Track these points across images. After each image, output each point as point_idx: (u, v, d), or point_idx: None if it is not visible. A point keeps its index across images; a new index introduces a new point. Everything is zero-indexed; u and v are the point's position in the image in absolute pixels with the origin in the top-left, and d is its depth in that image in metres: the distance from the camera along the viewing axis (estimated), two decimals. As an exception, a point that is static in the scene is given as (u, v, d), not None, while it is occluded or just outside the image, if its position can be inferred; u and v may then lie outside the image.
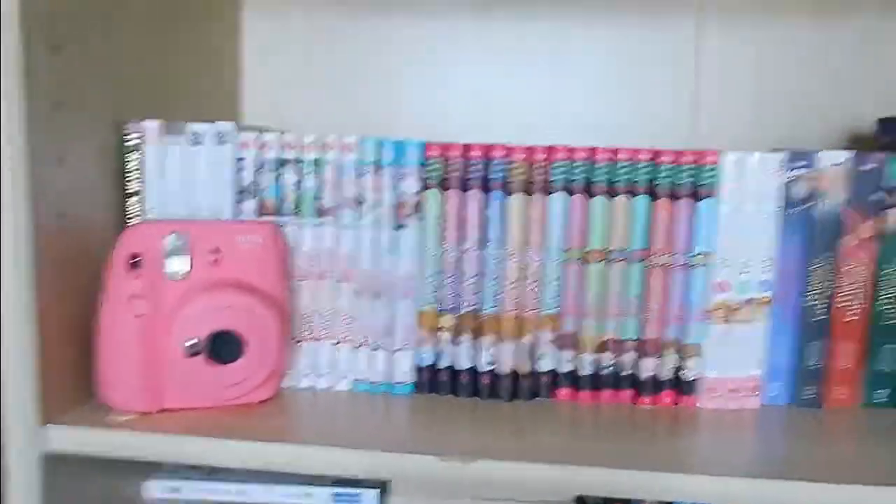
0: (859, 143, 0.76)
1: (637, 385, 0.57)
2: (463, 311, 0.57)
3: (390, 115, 0.80)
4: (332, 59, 0.80)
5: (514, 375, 0.57)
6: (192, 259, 0.51)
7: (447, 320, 0.57)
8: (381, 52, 0.79)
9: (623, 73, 0.77)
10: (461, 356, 0.57)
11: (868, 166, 0.54)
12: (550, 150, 0.55)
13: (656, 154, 0.55)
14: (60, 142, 0.49)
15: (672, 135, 0.78)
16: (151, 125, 0.56)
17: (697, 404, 0.56)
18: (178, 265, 0.50)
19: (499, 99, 0.79)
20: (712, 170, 0.54)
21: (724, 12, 0.76)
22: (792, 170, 0.54)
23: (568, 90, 0.78)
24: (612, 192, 0.55)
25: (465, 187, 0.56)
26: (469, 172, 0.55)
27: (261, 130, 0.57)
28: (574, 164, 0.55)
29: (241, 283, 0.52)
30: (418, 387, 0.58)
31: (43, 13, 0.46)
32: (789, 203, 0.55)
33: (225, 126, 0.56)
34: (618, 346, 0.57)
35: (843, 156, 0.54)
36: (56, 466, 0.49)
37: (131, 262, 0.49)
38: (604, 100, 0.78)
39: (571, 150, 0.55)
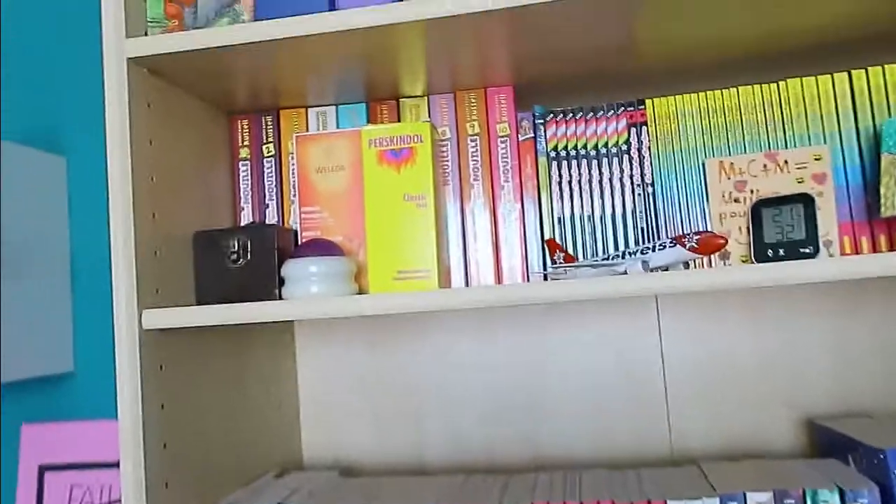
0: (814, 434, 0.89)
1: None
2: None
3: (420, 428, 0.98)
4: (372, 396, 1.00)
5: None
6: None
7: None
8: (407, 376, 0.99)
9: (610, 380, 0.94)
10: None
11: (790, 501, 0.68)
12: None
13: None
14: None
15: (649, 433, 0.92)
16: (233, 510, 0.75)
17: None
18: None
19: (504, 396, 0.96)
20: (661, 518, 0.68)
21: (680, 322, 0.93)
22: (727, 509, 0.68)
23: (557, 392, 0.95)
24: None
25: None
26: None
27: None
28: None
29: None
30: None
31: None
32: (730, 538, 0.68)
33: (286, 508, 0.75)
34: None
35: (766, 495, 0.68)
36: None
37: None
38: (592, 401, 0.94)
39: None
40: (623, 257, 0.70)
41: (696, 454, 0.92)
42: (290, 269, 0.73)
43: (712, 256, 0.80)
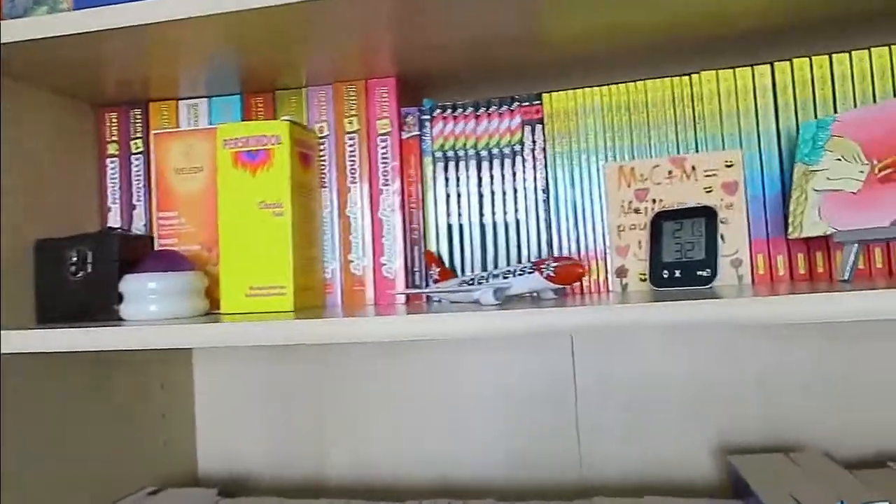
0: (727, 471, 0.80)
1: None
2: None
3: (320, 448, 0.92)
4: (274, 408, 0.94)
5: None
6: None
7: None
8: (312, 395, 0.92)
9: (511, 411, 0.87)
10: None
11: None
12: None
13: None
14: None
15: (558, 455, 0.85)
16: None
17: None
18: None
19: (411, 431, 0.89)
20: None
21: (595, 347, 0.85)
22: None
23: (466, 413, 0.88)
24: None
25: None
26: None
27: None
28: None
29: None
30: None
31: None
32: None
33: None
34: None
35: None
36: None
37: None
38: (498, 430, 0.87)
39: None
40: (489, 280, 0.62)
41: (606, 483, 0.84)
42: (128, 285, 0.67)
43: (607, 275, 0.70)
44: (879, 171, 0.55)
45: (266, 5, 0.60)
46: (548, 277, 0.57)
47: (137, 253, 0.72)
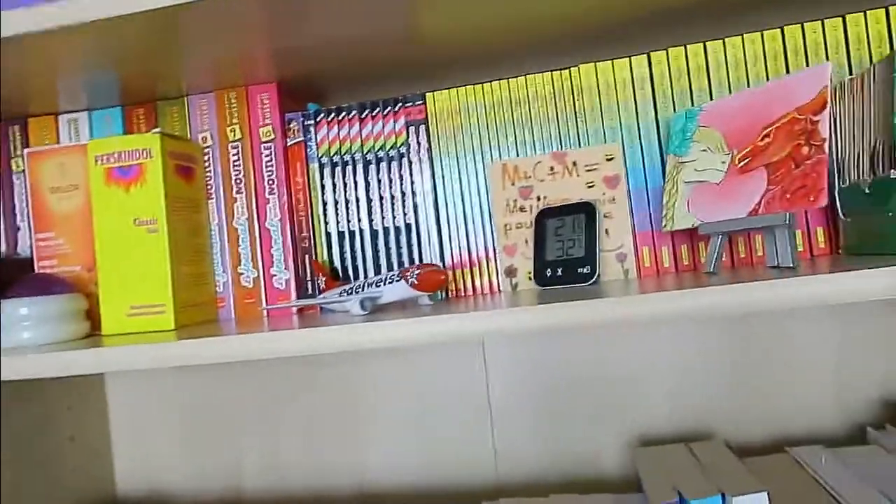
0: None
1: None
2: None
3: (236, 460, 0.90)
4: (188, 420, 0.92)
5: None
6: None
7: None
8: (225, 399, 0.91)
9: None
10: None
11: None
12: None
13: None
14: None
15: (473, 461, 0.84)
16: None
17: None
18: None
19: (325, 440, 0.88)
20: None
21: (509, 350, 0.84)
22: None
23: (381, 415, 0.87)
24: None
25: None
26: None
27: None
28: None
29: None
30: None
31: None
32: None
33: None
34: None
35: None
36: None
37: None
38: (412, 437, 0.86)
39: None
40: (366, 288, 0.60)
41: (522, 483, 0.84)
42: (-2, 312, 0.64)
43: (499, 275, 0.70)
44: (739, 161, 0.55)
45: (133, 11, 0.58)
46: (412, 285, 0.56)
47: (16, 277, 0.70)
